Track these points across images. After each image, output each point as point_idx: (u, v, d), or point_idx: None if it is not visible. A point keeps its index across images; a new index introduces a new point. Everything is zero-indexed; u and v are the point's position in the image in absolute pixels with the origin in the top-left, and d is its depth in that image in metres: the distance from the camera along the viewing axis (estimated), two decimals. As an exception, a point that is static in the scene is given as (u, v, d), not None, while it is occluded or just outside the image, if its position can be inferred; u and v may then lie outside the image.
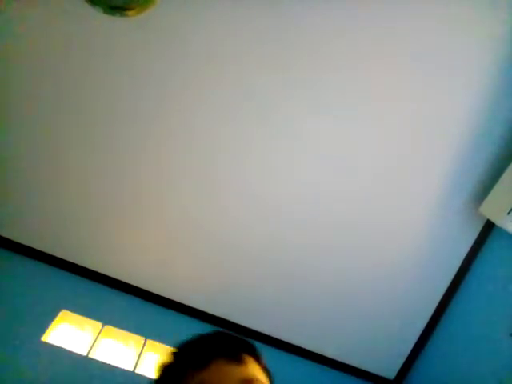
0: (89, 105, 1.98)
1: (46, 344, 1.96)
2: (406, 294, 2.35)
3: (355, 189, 2.13)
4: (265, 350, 0.78)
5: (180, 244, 2.25)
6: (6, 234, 2.23)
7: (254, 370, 0.68)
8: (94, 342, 2.07)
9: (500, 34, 1.85)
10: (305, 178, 2.11)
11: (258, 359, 0.73)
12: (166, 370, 0.70)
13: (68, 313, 2.12)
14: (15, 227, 2.23)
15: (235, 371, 0.66)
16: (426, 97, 1.97)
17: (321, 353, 2.47)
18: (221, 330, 0.77)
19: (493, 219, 2.03)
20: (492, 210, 2.02)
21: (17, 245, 2.23)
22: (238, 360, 0.68)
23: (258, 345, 0.77)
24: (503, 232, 2.05)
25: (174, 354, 0.71)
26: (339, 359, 2.49)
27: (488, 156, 2.08)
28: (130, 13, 1.76)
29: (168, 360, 0.71)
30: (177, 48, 1.85)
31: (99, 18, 1.75)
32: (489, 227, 2.23)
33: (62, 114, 2.00)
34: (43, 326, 2.02)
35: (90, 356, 2.00)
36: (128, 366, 2.04)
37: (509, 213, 1.92)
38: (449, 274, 2.32)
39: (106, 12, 1.74)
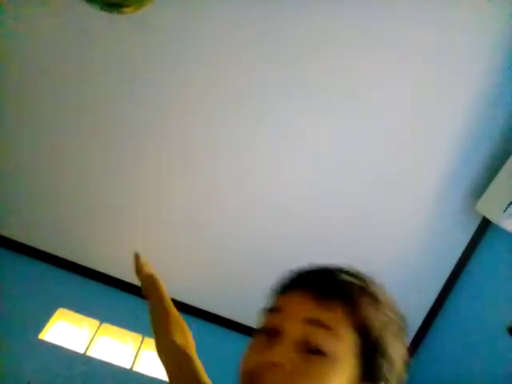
0: (88, 105, 1.96)
1: (43, 342, 1.96)
2: (401, 291, 2.34)
3: (355, 189, 2.13)
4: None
5: (179, 243, 2.25)
6: (3, 233, 2.21)
7: (333, 318, 0.56)
8: (92, 339, 2.06)
9: (500, 34, 1.85)
10: (305, 178, 2.11)
11: (352, 314, 0.56)
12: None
13: (65, 311, 2.12)
14: (13, 226, 2.22)
15: (309, 308, 0.56)
16: (426, 96, 1.97)
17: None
18: (349, 267, 0.63)
19: (489, 217, 2.05)
20: (488, 207, 2.04)
21: (14, 243, 2.22)
22: (322, 301, 0.56)
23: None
24: (499, 229, 2.05)
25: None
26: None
27: (484, 154, 2.10)
28: (126, 10, 1.73)
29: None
30: (177, 48, 1.84)
31: (98, 17, 1.72)
32: (485, 225, 2.24)
33: (62, 114, 1.98)
34: (40, 324, 2.01)
35: (87, 354, 2.00)
36: (126, 364, 2.04)
37: (505, 210, 1.93)
38: (445, 272, 2.34)
39: (102, 9, 1.71)
